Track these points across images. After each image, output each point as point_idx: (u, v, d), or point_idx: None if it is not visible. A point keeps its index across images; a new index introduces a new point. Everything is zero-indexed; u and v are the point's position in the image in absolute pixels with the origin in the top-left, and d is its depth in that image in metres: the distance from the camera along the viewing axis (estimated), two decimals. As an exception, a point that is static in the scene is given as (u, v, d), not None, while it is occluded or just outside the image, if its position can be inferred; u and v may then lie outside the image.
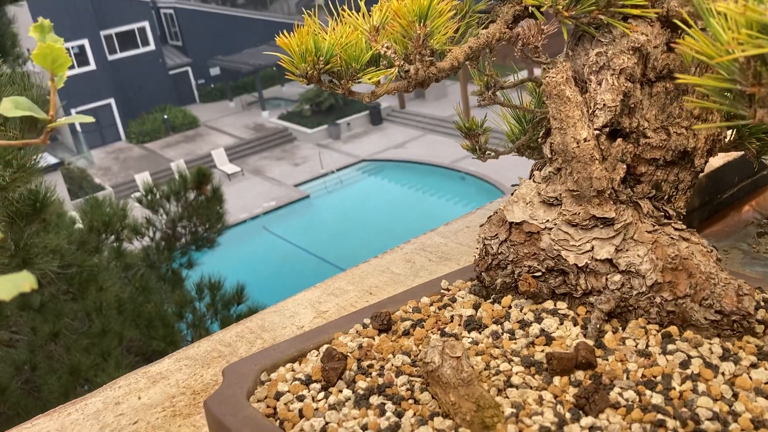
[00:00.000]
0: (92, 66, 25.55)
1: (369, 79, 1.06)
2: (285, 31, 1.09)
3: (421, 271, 1.60)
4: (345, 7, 1.07)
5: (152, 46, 27.50)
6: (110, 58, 26.28)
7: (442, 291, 1.24)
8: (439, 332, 1.06)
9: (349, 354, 1.04)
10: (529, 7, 1.12)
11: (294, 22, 1.15)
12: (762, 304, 1.09)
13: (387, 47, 1.04)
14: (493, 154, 1.69)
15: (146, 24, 27.14)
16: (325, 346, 1.09)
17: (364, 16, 1.07)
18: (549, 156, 1.05)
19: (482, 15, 1.41)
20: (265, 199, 20.22)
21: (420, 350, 1.01)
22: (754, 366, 0.92)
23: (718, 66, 0.75)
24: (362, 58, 1.07)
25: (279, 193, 20.71)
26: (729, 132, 1.32)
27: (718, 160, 1.91)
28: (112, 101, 26.18)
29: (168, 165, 22.50)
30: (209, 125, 26.79)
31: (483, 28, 1.27)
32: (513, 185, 1.15)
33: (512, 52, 1.39)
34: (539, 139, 1.24)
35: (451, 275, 1.30)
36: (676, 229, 1.02)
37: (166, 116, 26.33)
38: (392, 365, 0.98)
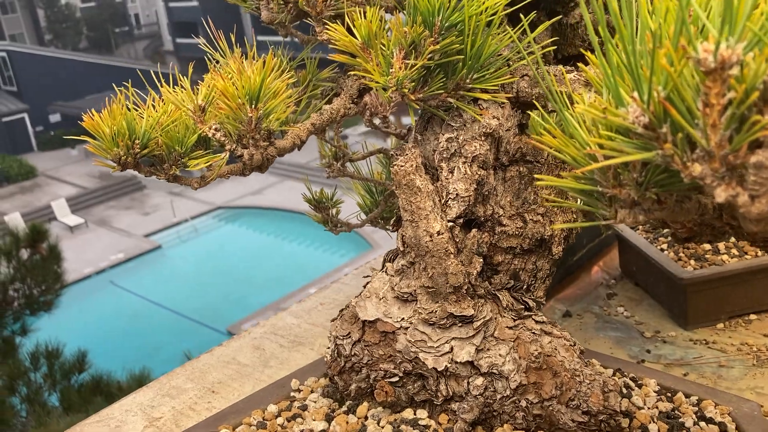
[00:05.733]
0: None
1: (195, 165, 0.92)
2: (93, 110, 0.92)
3: (272, 360, 1.45)
4: (164, 83, 0.93)
5: (-19, 91, 25.36)
6: (-69, 103, 23.92)
7: (292, 394, 1.10)
8: (286, 456, 0.91)
9: (178, 493, 0.87)
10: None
11: (144, 68, 1.00)
12: (624, 390, 1.05)
13: (215, 129, 0.90)
14: (345, 227, 1.59)
15: (-27, 67, 25.04)
16: (150, 482, 0.91)
17: (187, 93, 0.93)
18: (402, 249, 0.95)
19: (326, 84, 1.32)
20: (113, 252, 18.97)
21: (263, 484, 0.86)
22: (624, 472, 0.86)
23: (570, 161, 0.68)
24: (187, 140, 0.93)
25: (128, 244, 19.53)
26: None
27: (566, 223, 1.92)
28: (-67, 151, 23.74)
29: (1, 219, 20.62)
30: (49, 175, 24.93)
31: (327, 103, 1.18)
32: (365, 276, 1.04)
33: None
34: (389, 227, 1.14)
35: (302, 371, 1.17)
36: (537, 322, 0.95)
37: (-1, 166, 24.24)
38: None
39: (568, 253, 1.93)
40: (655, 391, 1.07)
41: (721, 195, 0.56)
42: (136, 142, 0.90)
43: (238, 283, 16.18)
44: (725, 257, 1.69)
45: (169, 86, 0.95)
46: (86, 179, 24.20)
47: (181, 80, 0.95)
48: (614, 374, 1.11)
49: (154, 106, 0.95)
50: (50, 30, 36.74)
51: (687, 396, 1.06)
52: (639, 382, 1.10)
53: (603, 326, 1.73)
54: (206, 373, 1.42)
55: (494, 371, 0.90)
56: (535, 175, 0.89)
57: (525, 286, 0.99)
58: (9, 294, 8.00)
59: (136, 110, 0.94)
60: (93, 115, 0.91)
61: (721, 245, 1.73)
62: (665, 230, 1.84)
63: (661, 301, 1.78)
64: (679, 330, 1.67)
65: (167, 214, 21.32)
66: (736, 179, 0.56)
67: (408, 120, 1.16)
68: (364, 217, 1.59)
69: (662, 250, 1.76)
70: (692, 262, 1.69)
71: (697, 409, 1.02)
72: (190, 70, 1.00)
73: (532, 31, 0.85)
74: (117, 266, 18.43)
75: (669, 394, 1.07)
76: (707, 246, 1.74)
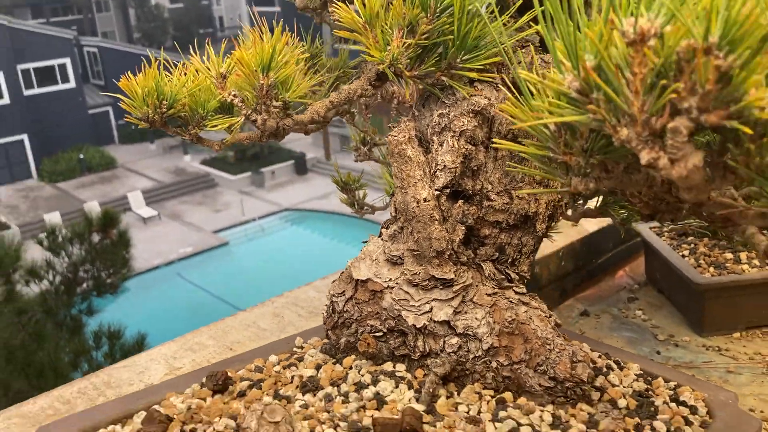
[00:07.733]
0: (5, 100, 24.46)
1: (213, 126, 1.02)
2: (129, 73, 1.04)
3: (289, 326, 1.55)
4: (192, 52, 1.04)
5: (72, 84, 26.65)
6: (26, 93, 25.24)
7: (294, 349, 1.19)
8: (273, 394, 1.00)
9: (175, 416, 0.97)
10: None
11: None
12: (605, 370, 1.10)
13: (234, 95, 1.01)
14: (370, 209, 1.67)
15: (67, 61, 26.35)
16: (155, 407, 1.02)
17: (212, 62, 1.03)
18: (393, 214, 1.04)
19: (356, 71, 1.42)
20: (182, 245, 19.64)
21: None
22: (582, 435, 0.91)
23: (533, 132, 0.75)
24: (209, 104, 1.04)
25: (197, 238, 20.19)
26: (595, 199, 1.34)
27: (592, 226, 1.96)
28: (24, 137, 25.04)
29: (80, 206, 21.66)
30: (127, 167, 26.06)
31: (348, 84, 1.27)
32: (363, 242, 1.13)
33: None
34: (389, 197, 1.22)
35: (308, 332, 1.26)
36: (516, 293, 1.01)
37: (82, 156, 25.43)
38: (214, 430, 0.92)
39: (591, 256, 1.96)
40: (636, 374, 1.11)
41: (644, 157, 0.62)
42: (164, 102, 1.01)
43: (299, 283, 16.43)
44: (745, 267, 1.69)
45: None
46: (162, 173, 25.14)
47: (209, 50, 1.06)
48: (600, 357, 1.15)
49: (185, 73, 1.07)
50: (139, 29, 38.42)
51: (666, 381, 1.09)
52: (622, 365, 1.14)
53: (618, 327, 1.75)
54: (227, 333, 1.53)
55: (469, 332, 0.97)
56: (494, 139, 0.96)
57: (510, 260, 1.05)
58: (79, 275, 8.43)
59: (169, 75, 1.06)
60: (130, 77, 1.03)
61: (743, 255, 1.73)
62: (689, 238, 1.85)
63: (680, 308, 1.79)
64: (693, 336, 1.68)
65: (236, 212, 21.92)
66: (659, 144, 0.62)
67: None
68: (389, 200, 1.68)
69: (683, 256, 1.77)
70: (711, 269, 1.70)
71: (672, 392, 1.06)
72: (224, 44, 1.11)
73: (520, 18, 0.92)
74: (185, 259, 19.04)
75: (649, 378, 1.10)
76: (729, 255, 1.74)
